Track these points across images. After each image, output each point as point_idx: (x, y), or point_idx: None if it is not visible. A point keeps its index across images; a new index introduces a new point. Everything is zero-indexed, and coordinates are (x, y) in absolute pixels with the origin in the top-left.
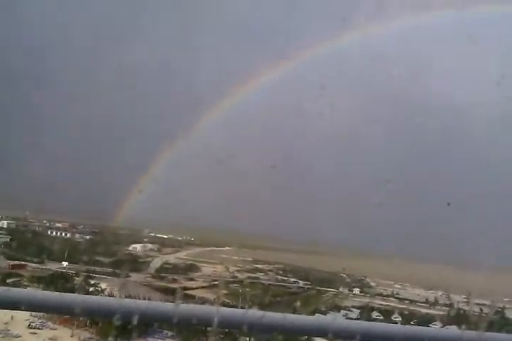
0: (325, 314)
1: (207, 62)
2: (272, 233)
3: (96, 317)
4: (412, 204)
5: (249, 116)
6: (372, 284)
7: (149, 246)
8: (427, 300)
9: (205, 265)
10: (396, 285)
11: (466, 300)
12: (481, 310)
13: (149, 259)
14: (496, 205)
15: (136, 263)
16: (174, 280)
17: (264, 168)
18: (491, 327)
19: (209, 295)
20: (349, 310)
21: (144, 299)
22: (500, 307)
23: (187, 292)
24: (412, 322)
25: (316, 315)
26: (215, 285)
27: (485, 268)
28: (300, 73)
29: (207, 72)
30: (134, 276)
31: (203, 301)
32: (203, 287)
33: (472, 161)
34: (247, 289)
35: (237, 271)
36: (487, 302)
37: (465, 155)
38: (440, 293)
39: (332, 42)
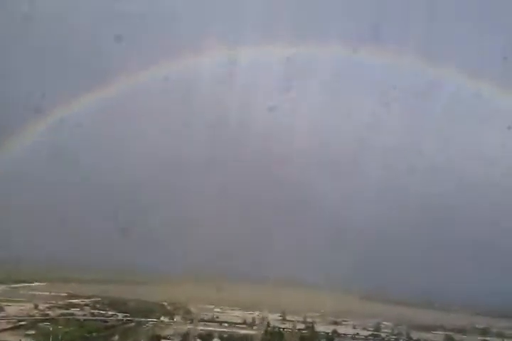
0: None
1: None
2: (87, 263)
3: None
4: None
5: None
6: (194, 310)
7: None
8: (245, 321)
9: (9, 304)
10: (216, 309)
11: (280, 317)
12: (294, 326)
13: None
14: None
15: None
16: None
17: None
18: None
19: (14, 337)
20: (170, 339)
21: None
22: (310, 322)
23: None
24: None
25: None
26: (21, 326)
27: (299, 285)
28: None
29: None
30: None
31: None
32: (6, 329)
33: None
34: (60, 327)
35: (49, 307)
36: (300, 319)
37: None
38: (257, 313)
39: None
